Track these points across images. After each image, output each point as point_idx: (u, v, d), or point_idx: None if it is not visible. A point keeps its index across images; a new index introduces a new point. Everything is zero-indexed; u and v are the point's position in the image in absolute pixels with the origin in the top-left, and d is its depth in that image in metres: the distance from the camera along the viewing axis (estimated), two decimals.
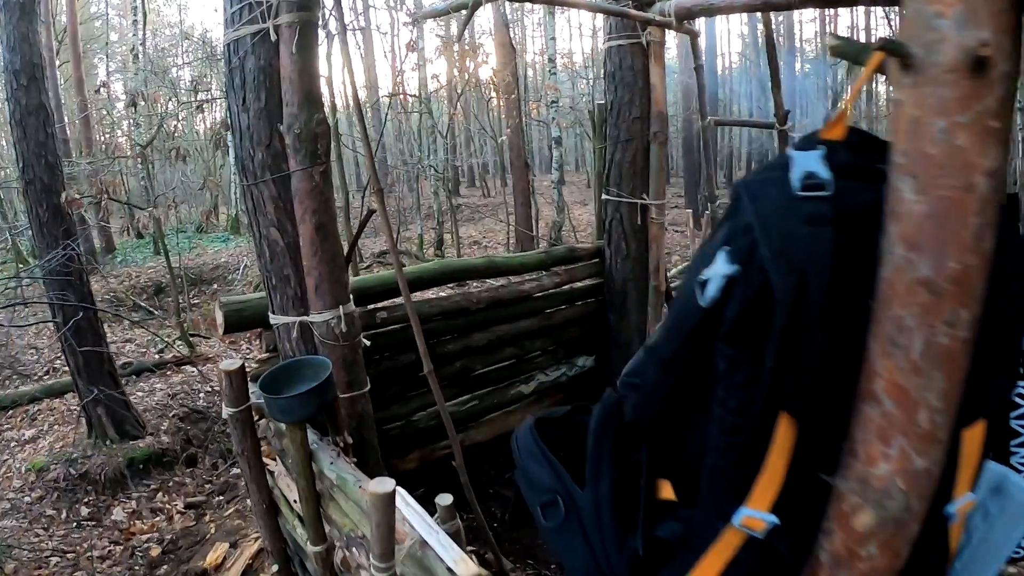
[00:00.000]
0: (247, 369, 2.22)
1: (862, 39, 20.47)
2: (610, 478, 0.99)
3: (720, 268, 0.84)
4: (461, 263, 3.24)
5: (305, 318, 2.20)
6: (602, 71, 4.32)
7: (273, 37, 2.04)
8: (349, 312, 2.23)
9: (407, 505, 1.54)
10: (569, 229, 10.46)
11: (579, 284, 4.06)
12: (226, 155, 10.25)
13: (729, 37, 26.56)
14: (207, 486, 4.38)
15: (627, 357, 3.89)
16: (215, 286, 10.08)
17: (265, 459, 2.43)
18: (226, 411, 2.10)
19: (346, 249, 2.38)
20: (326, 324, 2.17)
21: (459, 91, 11.87)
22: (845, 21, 23.36)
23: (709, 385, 0.90)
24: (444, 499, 1.46)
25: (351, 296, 2.29)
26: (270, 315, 2.30)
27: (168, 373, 6.22)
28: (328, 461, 1.89)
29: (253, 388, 2.21)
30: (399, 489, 1.38)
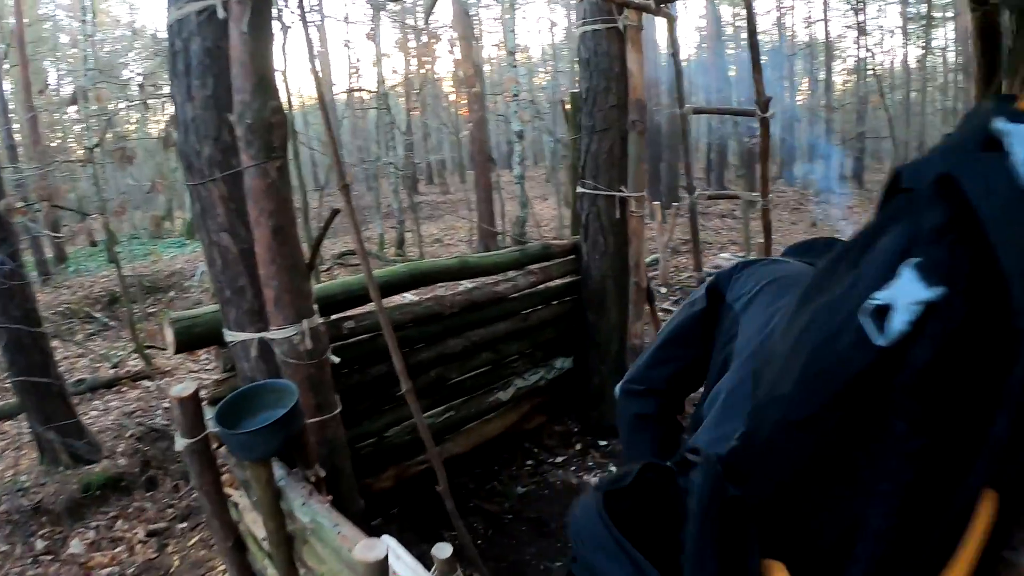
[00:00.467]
0: (204, 391, 1.95)
1: (819, 33, 20.89)
2: (714, 569, 0.75)
3: (912, 290, 0.61)
4: (432, 265, 3.00)
5: (264, 334, 1.93)
6: (575, 58, 4.12)
7: (222, 14, 1.76)
8: (314, 326, 1.97)
9: (399, 559, 1.31)
10: (533, 224, 10.27)
11: (554, 283, 3.87)
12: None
13: (684, 31, 26.86)
14: (169, 511, 4.04)
15: (606, 356, 3.70)
16: (171, 293, 9.60)
17: (228, 489, 2.16)
18: (180, 443, 1.83)
19: (308, 255, 2.12)
20: (288, 341, 1.91)
21: (419, 86, 11.54)
22: (801, 13, 23.83)
23: (861, 447, 0.67)
24: (442, 551, 1.24)
25: (315, 307, 2.03)
26: (225, 331, 2.02)
27: (124, 389, 5.81)
28: (299, 501, 1.65)
29: (210, 413, 1.94)
30: (389, 543, 1.16)
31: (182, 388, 1.76)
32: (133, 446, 4.65)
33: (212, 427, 1.83)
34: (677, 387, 1.57)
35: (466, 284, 3.69)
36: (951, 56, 21.45)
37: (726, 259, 6.67)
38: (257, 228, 1.87)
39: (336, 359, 2.07)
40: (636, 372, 1.55)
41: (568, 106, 3.86)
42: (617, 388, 1.60)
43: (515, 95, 9.12)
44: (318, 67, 1.91)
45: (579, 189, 3.73)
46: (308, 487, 1.70)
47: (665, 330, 1.58)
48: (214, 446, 1.98)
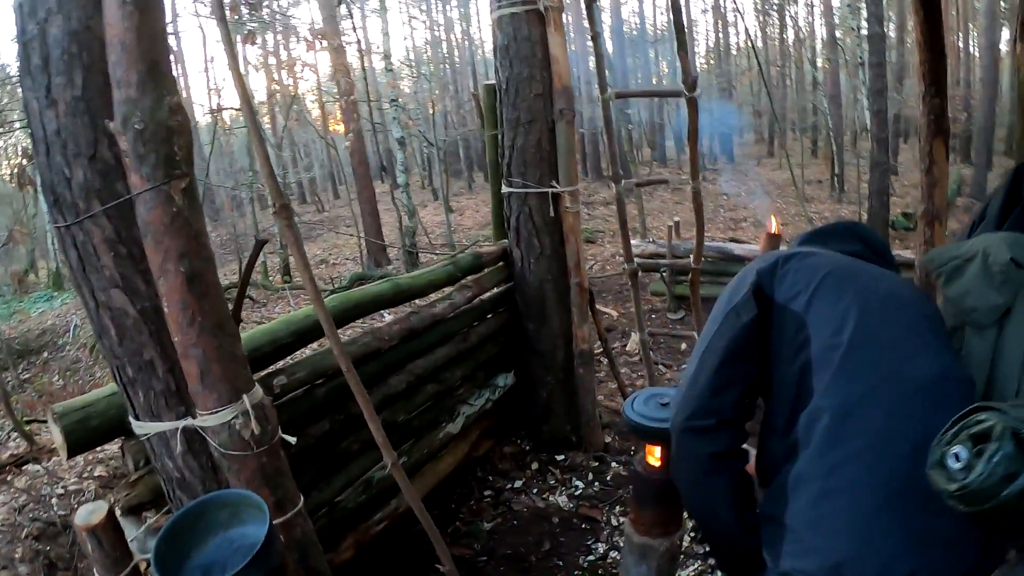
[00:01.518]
0: (116, 496, 1.42)
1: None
2: None
3: None
4: (363, 295, 2.56)
5: (191, 422, 1.43)
6: (491, 46, 3.78)
7: None
8: (258, 402, 1.50)
9: None
10: (421, 233, 9.82)
11: (488, 294, 3.52)
12: (37, 195, 8.21)
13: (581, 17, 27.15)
14: None
15: (552, 366, 3.38)
16: (45, 355, 8.21)
17: None
18: None
19: (231, 304, 1.63)
20: (227, 427, 1.42)
21: (286, 101, 10.66)
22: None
23: None
24: None
25: (252, 377, 1.55)
26: (132, 422, 1.49)
27: (8, 477, 4.68)
28: None
29: (133, 529, 1.42)
30: None
31: (90, 512, 1.23)
32: (32, 548, 3.73)
33: (142, 553, 1.31)
34: (744, 412, 1.31)
35: (402, 309, 3.25)
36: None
37: (636, 245, 6.64)
38: (164, 278, 1.37)
39: (292, 439, 1.60)
40: (697, 404, 1.26)
41: (482, 100, 3.52)
42: (677, 427, 1.30)
43: (393, 100, 8.60)
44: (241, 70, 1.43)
45: (505, 189, 3.41)
46: None
47: (714, 348, 1.29)
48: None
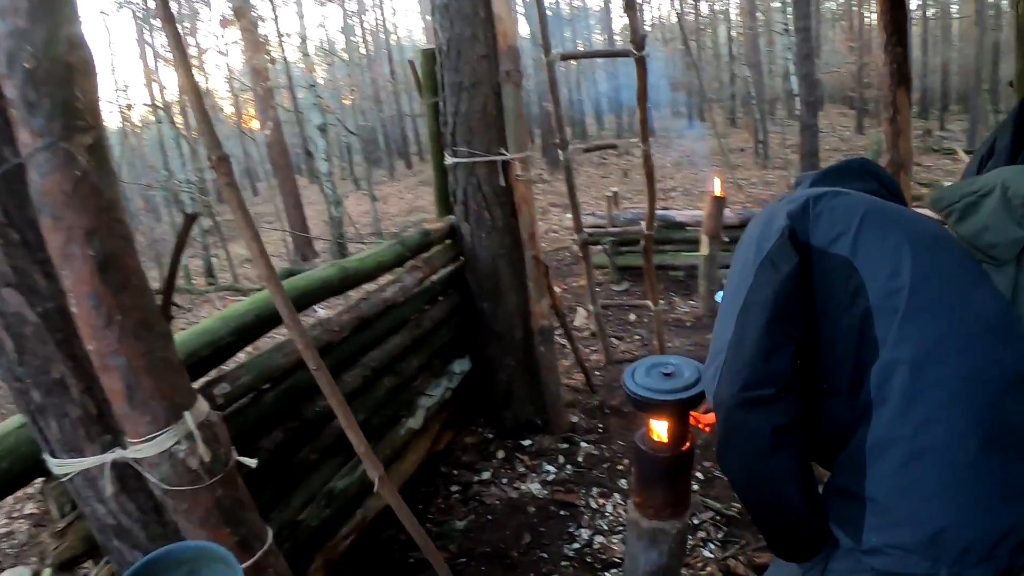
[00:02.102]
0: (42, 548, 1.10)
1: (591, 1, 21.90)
2: None
3: None
4: (309, 282, 2.24)
5: (121, 453, 1.12)
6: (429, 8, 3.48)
7: None
8: (205, 420, 1.20)
9: None
10: (348, 223, 9.34)
11: (436, 275, 3.26)
12: None
13: None
14: None
15: (510, 347, 3.15)
16: None
17: None
18: None
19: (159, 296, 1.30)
20: (167, 456, 1.12)
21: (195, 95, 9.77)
22: None
23: None
24: None
25: (193, 388, 1.25)
26: (47, 458, 1.15)
27: None
28: None
29: None
30: None
31: None
32: None
33: None
34: (800, 376, 1.14)
35: (350, 296, 2.94)
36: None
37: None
38: (68, 267, 1.05)
39: (252, 462, 1.30)
40: (751, 372, 1.07)
41: (419, 67, 3.21)
42: (728, 402, 1.10)
43: (311, 85, 8.04)
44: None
45: (449, 160, 3.14)
46: None
47: (755, 306, 1.11)
48: None
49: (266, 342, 2.31)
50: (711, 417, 1.69)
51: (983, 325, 1.06)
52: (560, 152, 3.61)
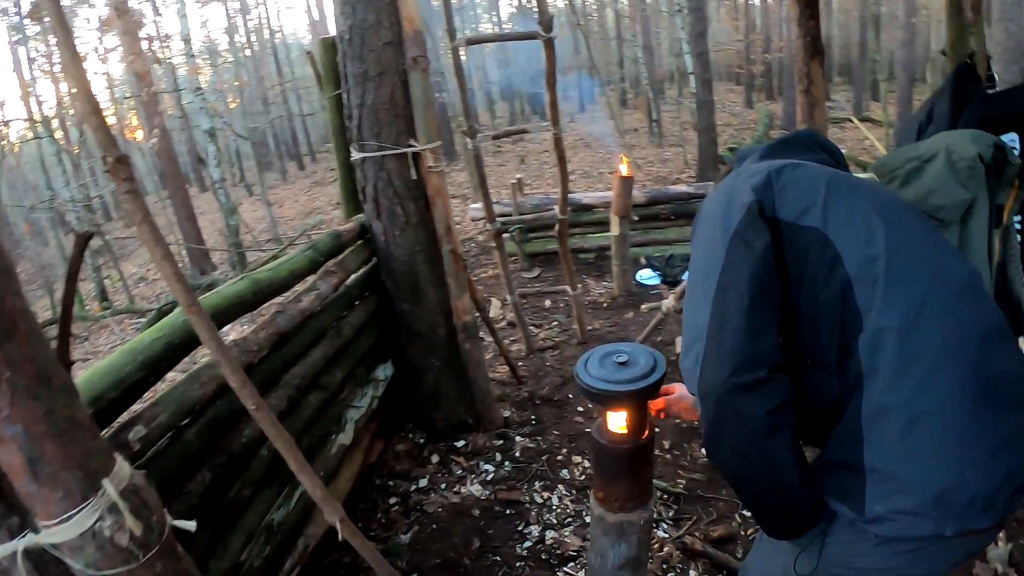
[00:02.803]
0: None
1: None
2: None
3: None
4: (220, 300, 2.01)
5: (33, 539, 0.90)
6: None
7: None
8: (129, 486, 1.01)
9: None
10: (245, 231, 8.77)
11: (351, 279, 3.07)
12: None
13: None
14: None
15: (435, 347, 3.05)
16: None
17: None
18: None
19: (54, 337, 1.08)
20: (92, 537, 0.92)
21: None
22: None
23: None
24: None
25: (110, 449, 1.05)
26: None
27: None
28: None
29: None
30: None
31: None
32: None
33: None
34: (784, 354, 1.12)
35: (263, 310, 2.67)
36: None
37: (477, 209, 6.38)
38: None
39: (191, 525, 1.12)
40: (740, 356, 1.03)
41: (318, 59, 2.98)
42: (719, 389, 1.05)
43: (197, 88, 7.37)
44: None
45: (356, 155, 2.94)
46: None
47: (732, 286, 1.08)
48: None
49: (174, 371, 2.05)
50: (661, 402, 1.67)
51: (956, 286, 1.08)
52: (468, 140, 3.50)
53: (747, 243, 1.11)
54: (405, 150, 2.88)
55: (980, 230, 1.35)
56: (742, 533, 2.40)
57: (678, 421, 3.21)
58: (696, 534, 2.39)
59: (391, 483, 3.00)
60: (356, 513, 2.77)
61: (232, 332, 6.20)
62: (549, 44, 3.05)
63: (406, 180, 2.96)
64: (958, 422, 0.99)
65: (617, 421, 1.67)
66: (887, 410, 1.02)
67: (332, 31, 2.90)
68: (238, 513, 1.86)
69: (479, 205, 6.33)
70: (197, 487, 1.68)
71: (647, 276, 5.41)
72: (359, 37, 2.70)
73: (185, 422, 1.74)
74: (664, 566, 2.28)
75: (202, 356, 2.36)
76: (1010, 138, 1.41)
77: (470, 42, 3.19)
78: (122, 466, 1.07)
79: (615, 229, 4.93)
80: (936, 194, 1.37)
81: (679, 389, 1.62)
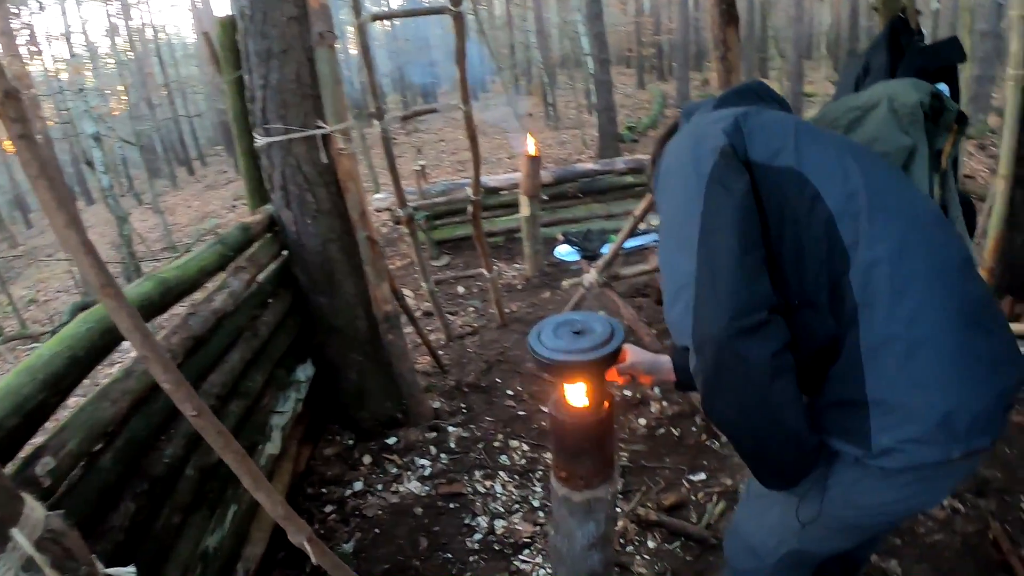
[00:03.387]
0: None
1: None
2: None
3: None
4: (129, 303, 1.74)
5: None
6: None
7: None
8: (46, 532, 0.85)
9: None
10: (138, 242, 8.03)
11: (264, 273, 2.83)
12: None
13: None
14: None
15: (355, 341, 2.94)
16: None
17: None
18: None
19: None
20: None
21: None
22: None
23: None
24: None
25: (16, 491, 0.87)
26: None
27: None
28: None
29: None
30: None
31: None
32: None
33: None
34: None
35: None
36: None
37: (380, 199, 6.13)
38: None
39: (130, 572, 0.95)
40: (739, 300, 1.01)
41: (216, 39, 2.69)
42: (721, 336, 1.01)
43: (81, 89, 6.51)
44: None
45: (260, 140, 2.70)
46: None
47: (718, 231, 1.06)
48: None
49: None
50: (614, 372, 1.63)
51: (928, 219, 1.11)
52: (376, 123, 3.32)
53: (726, 186, 1.08)
54: (314, 132, 2.68)
55: (922, 175, 1.42)
56: (693, 498, 2.46)
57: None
58: (648, 504, 2.41)
59: (324, 490, 2.82)
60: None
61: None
62: (459, 18, 2.93)
63: (316, 165, 2.76)
64: (954, 347, 1.02)
65: (578, 393, 1.62)
66: (887, 341, 1.02)
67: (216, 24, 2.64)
68: (169, 544, 1.64)
69: (381, 195, 6.11)
70: (121, 520, 1.46)
71: (565, 252, 5.44)
72: (261, 12, 2.46)
73: (98, 448, 1.50)
74: (622, 540, 2.29)
75: (104, 376, 2.07)
76: (942, 87, 1.49)
77: (376, 18, 3.00)
78: (33, 509, 0.89)
79: (525, 210, 4.91)
80: (879, 141, 1.42)
81: (631, 355, 1.58)
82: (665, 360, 1.52)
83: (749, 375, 1.02)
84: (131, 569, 1.03)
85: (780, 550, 1.30)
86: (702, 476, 2.60)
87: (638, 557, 2.23)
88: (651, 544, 2.27)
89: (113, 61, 20.67)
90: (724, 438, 2.66)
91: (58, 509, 0.96)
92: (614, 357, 1.51)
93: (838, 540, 1.24)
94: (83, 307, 6.27)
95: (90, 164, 6.84)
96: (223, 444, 1.15)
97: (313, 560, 1.24)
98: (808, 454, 1.10)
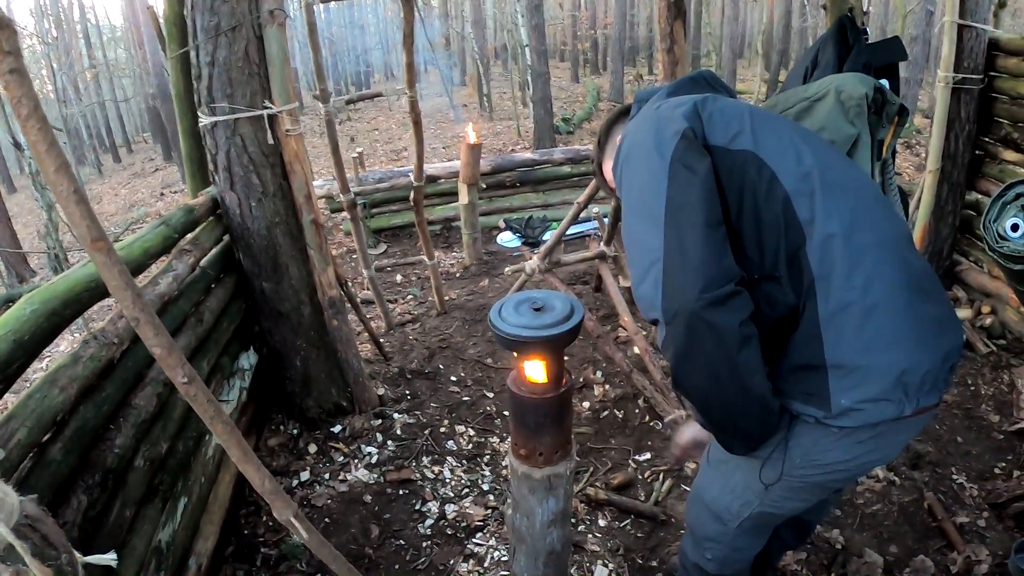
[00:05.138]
0: None
1: None
2: None
3: None
4: (71, 286, 1.66)
5: None
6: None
7: None
8: (22, 519, 0.83)
9: None
10: (64, 231, 7.43)
11: (207, 257, 2.72)
12: None
13: None
14: None
15: (300, 328, 2.95)
16: None
17: None
18: None
19: None
20: None
21: None
22: None
23: None
24: None
25: None
26: None
27: None
28: None
29: None
30: None
31: None
32: None
33: None
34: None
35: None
36: None
37: (317, 186, 5.94)
38: None
39: (111, 559, 0.94)
40: (708, 273, 1.08)
41: (164, 12, 2.55)
42: (691, 307, 1.08)
43: (14, 71, 5.82)
44: None
45: (205, 120, 2.59)
46: None
47: (684, 209, 1.13)
48: None
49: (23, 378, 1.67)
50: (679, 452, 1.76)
51: (871, 198, 1.22)
52: (322, 106, 3.25)
53: (689, 167, 1.15)
54: (261, 112, 2.59)
55: (864, 162, 1.55)
56: (640, 477, 2.57)
57: None
58: (597, 484, 2.50)
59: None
60: (239, 520, 2.50)
61: (63, 343, 5.27)
62: (408, 2, 2.90)
63: (262, 146, 2.67)
64: (903, 311, 1.12)
65: (537, 369, 1.64)
66: (844, 308, 1.12)
67: (144, 9, 2.50)
68: (123, 539, 1.58)
69: (319, 182, 5.94)
70: (73, 515, 1.39)
71: (507, 239, 5.47)
72: None
73: (47, 437, 1.42)
74: (573, 520, 2.36)
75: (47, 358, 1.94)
76: (884, 83, 1.62)
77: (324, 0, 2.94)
78: (7, 493, 0.85)
79: (464, 198, 4.91)
80: (827, 130, 1.54)
81: (685, 434, 1.70)
82: (696, 426, 1.64)
83: (719, 343, 1.09)
84: (112, 556, 1.00)
85: (743, 512, 1.40)
86: (648, 456, 2.72)
87: (590, 536, 2.31)
88: (602, 523, 2.36)
89: (39, 42, 19.14)
90: (667, 418, 2.79)
91: (35, 495, 0.92)
92: (574, 334, 1.54)
93: (798, 500, 1.35)
94: (9, 300, 5.72)
95: (20, 147, 6.26)
96: (213, 413, 1.13)
97: (304, 536, 1.23)
98: (771, 418, 1.19)
